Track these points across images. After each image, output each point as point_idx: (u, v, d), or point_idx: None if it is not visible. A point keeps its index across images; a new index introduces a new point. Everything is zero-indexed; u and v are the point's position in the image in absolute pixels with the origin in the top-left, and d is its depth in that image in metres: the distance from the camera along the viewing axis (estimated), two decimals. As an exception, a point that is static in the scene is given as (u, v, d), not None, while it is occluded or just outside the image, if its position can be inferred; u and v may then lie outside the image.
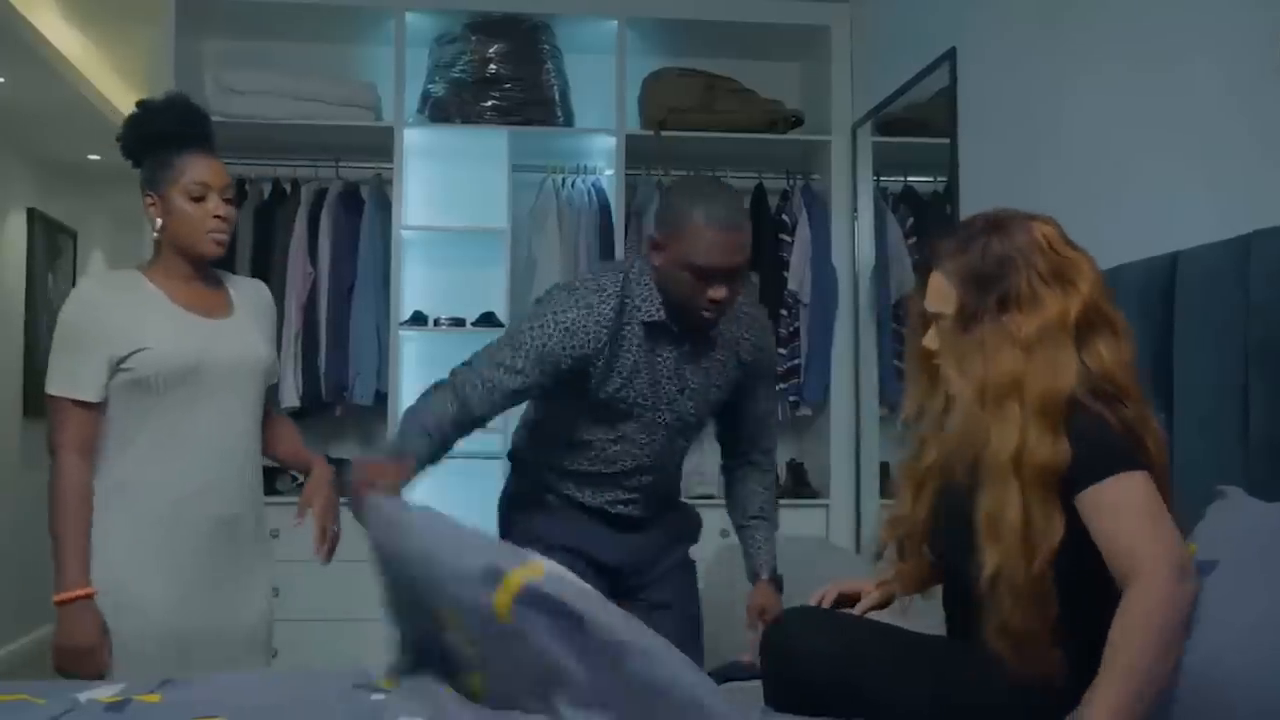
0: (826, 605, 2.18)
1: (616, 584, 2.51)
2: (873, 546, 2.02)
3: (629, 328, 2.41)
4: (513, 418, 2.69)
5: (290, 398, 4.31)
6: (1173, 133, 2.52)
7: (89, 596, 2.22)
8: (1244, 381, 2.00)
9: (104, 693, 1.89)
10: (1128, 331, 1.80)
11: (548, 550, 2.43)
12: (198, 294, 2.39)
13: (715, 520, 2.98)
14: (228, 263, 2.82)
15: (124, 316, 2.28)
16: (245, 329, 2.43)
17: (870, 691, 1.83)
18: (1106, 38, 2.79)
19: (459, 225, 4.53)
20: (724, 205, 2.33)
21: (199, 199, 2.33)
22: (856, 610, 2.15)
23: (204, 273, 2.42)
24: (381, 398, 4.43)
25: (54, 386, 2.27)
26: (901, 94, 4.05)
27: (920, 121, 4.02)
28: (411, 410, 2.42)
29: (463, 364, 2.43)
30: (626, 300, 2.41)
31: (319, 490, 2.45)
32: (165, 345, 2.27)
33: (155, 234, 2.38)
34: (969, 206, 3.52)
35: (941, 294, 1.85)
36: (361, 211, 4.52)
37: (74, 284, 6.91)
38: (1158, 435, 1.77)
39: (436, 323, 4.53)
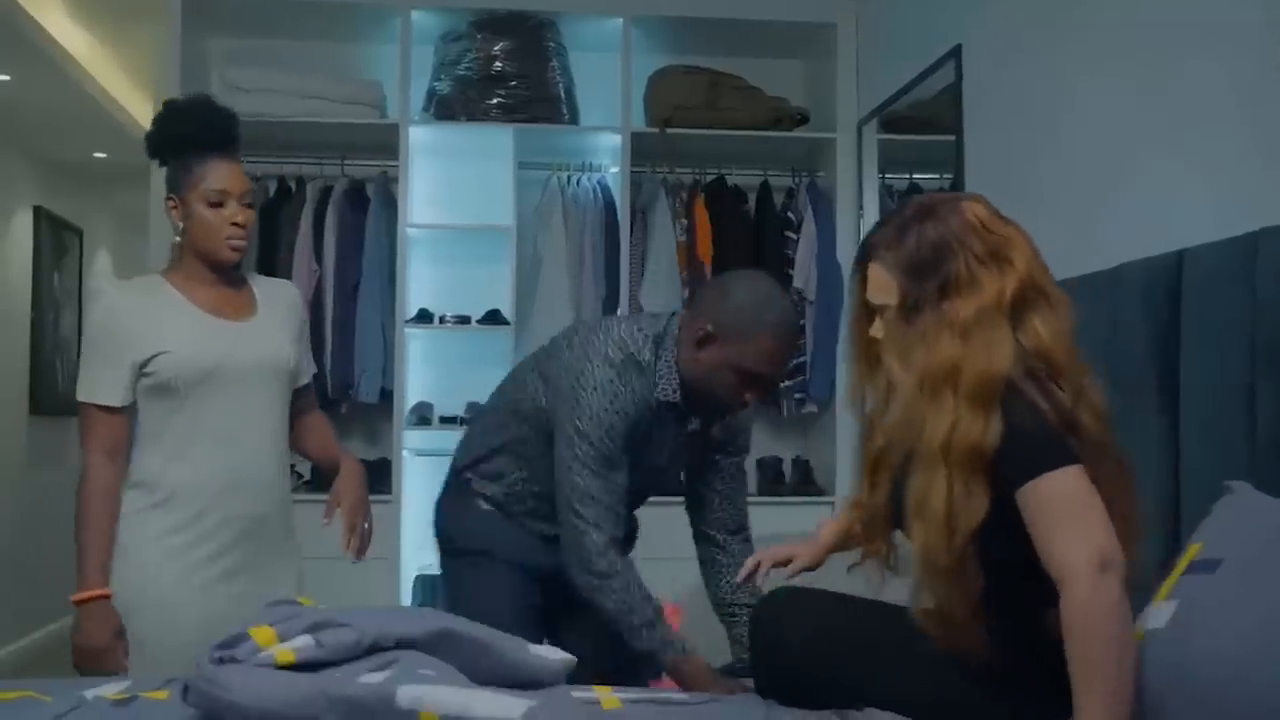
0: (762, 574, 2.23)
1: (550, 592, 2.50)
2: (832, 525, 2.12)
3: (652, 401, 2.39)
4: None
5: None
6: (1177, 130, 2.52)
7: (106, 598, 2.24)
8: (1250, 381, 1.99)
9: (111, 689, 1.89)
10: (1062, 301, 1.78)
11: (483, 556, 2.52)
12: (220, 296, 2.40)
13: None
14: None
15: (145, 321, 2.31)
16: (268, 330, 2.43)
17: (855, 669, 1.86)
18: (1111, 35, 2.79)
19: (464, 223, 4.54)
20: (788, 314, 2.32)
21: (217, 205, 2.34)
22: (787, 574, 2.19)
23: (226, 275, 2.43)
24: (387, 395, 4.43)
25: (81, 393, 2.31)
26: (907, 91, 4.04)
27: (925, 119, 4.02)
28: (612, 597, 2.30)
29: (573, 515, 2.31)
30: (653, 374, 2.38)
31: (348, 488, 2.49)
32: (185, 349, 2.29)
33: (177, 237, 2.40)
34: (974, 204, 3.52)
35: (882, 285, 1.83)
36: (367, 209, 4.53)
37: (80, 282, 6.98)
38: (1095, 406, 1.75)
39: (442, 320, 4.54)
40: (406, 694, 1.58)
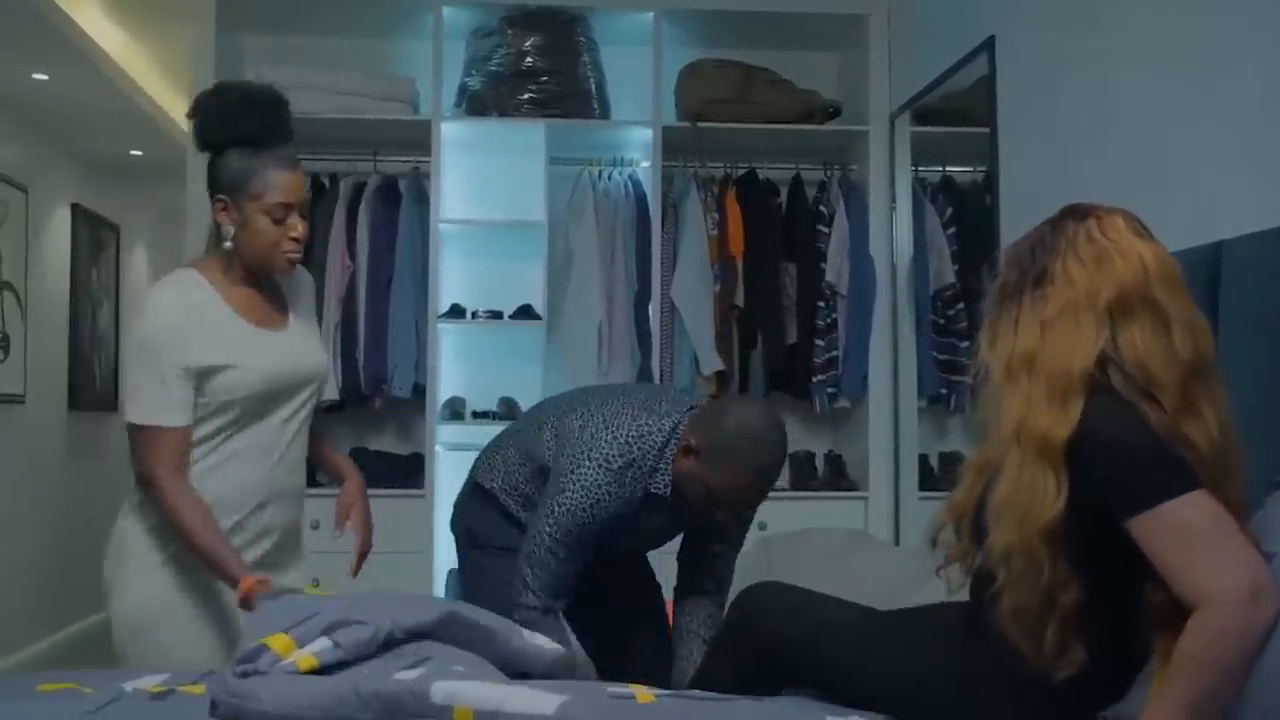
0: None
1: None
2: (929, 530, 1.99)
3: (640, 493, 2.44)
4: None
5: (329, 391, 4.33)
6: (1214, 121, 2.49)
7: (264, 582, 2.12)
8: (1289, 371, 1.97)
9: (149, 682, 1.91)
10: (1183, 325, 1.70)
11: (504, 551, 2.56)
12: (261, 305, 2.31)
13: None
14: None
15: (204, 339, 2.19)
16: (305, 338, 2.38)
17: (824, 650, 1.92)
18: (1146, 25, 2.76)
19: (496, 218, 4.55)
20: (769, 458, 2.33)
21: (280, 220, 2.22)
22: None
23: (262, 279, 2.33)
24: (420, 390, 4.45)
25: (141, 414, 2.17)
26: (940, 83, 4.02)
27: (959, 111, 4.00)
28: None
29: (523, 569, 2.42)
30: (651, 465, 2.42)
31: (359, 508, 2.43)
32: (243, 369, 2.21)
33: (227, 244, 2.23)
34: (1008, 196, 3.50)
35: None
36: (399, 205, 4.55)
37: (118, 279, 7.04)
38: (1209, 431, 1.68)
39: (474, 315, 4.55)
40: (441, 690, 1.58)
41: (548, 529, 2.39)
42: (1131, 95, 2.82)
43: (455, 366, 4.67)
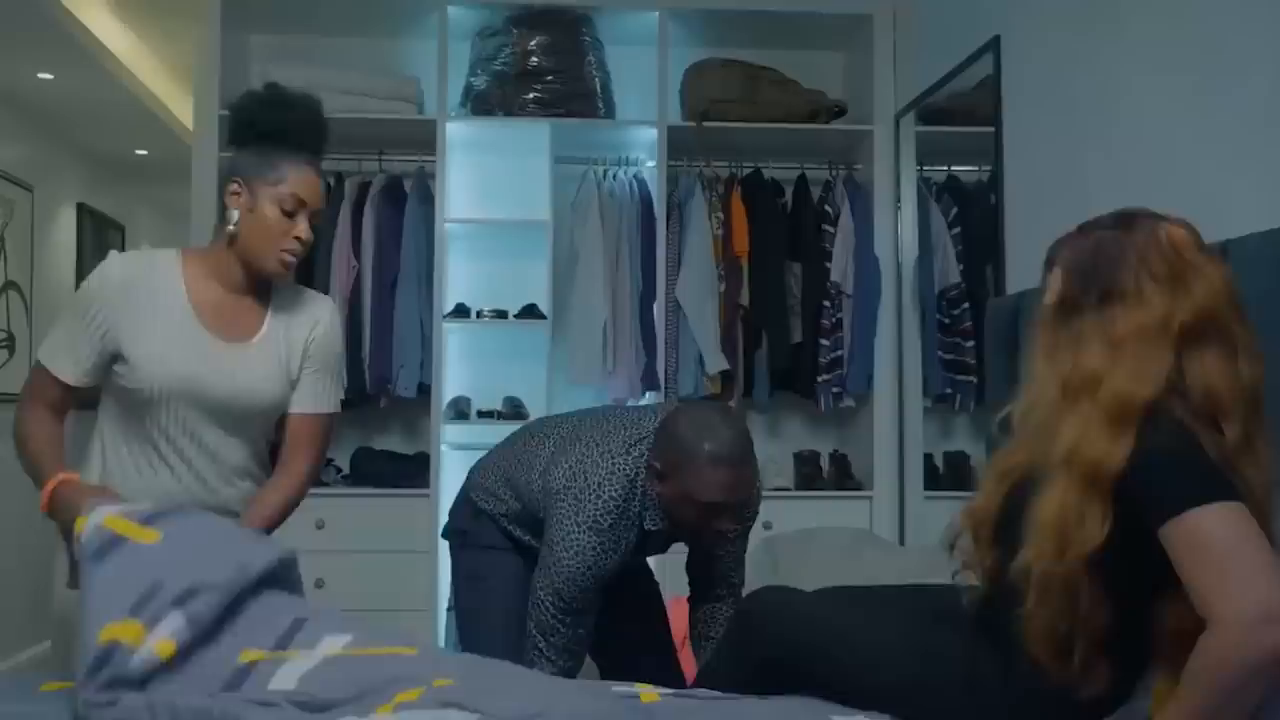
0: None
1: None
2: (947, 536, 1.95)
3: (634, 532, 2.42)
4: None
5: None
6: (1220, 121, 2.49)
7: (72, 480, 2.11)
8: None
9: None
10: (1250, 353, 1.66)
11: (496, 550, 2.60)
12: (229, 308, 2.21)
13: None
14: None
15: (130, 318, 2.14)
16: (258, 363, 2.22)
17: (836, 646, 1.86)
18: (1152, 25, 2.76)
19: (501, 217, 4.55)
20: (728, 441, 2.28)
21: (289, 213, 2.17)
22: None
23: (254, 285, 2.24)
24: (425, 390, 4.45)
25: (42, 353, 2.19)
26: (945, 83, 4.02)
27: (964, 111, 3.99)
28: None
29: (534, 638, 2.41)
30: (637, 509, 2.40)
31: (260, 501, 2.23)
32: (155, 364, 2.13)
33: (231, 226, 2.17)
34: (1013, 196, 3.49)
35: (1051, 281, 1.78)
36: (405, 204, 4.55)
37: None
38: (1263, 464, 1.63)
39: (479, 315, 4.55)
40: None
41: (550, 600, 2.38)
42: (1137, 95, 2.81)
43: (460, 366, 4.68)
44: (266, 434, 2.33)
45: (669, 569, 2.79)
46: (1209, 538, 1.53)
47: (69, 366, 2.17)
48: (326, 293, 4.28)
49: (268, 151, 2.17)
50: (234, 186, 2.18)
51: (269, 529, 2.21)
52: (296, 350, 2.26)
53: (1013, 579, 1.69)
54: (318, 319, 2.31)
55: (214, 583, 1.69)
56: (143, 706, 1.54)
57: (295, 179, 2.17)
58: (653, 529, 2.40)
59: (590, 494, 2.37)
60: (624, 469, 2.39)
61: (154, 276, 2.18)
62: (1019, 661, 1.70)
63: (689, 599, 2.69)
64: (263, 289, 2.26)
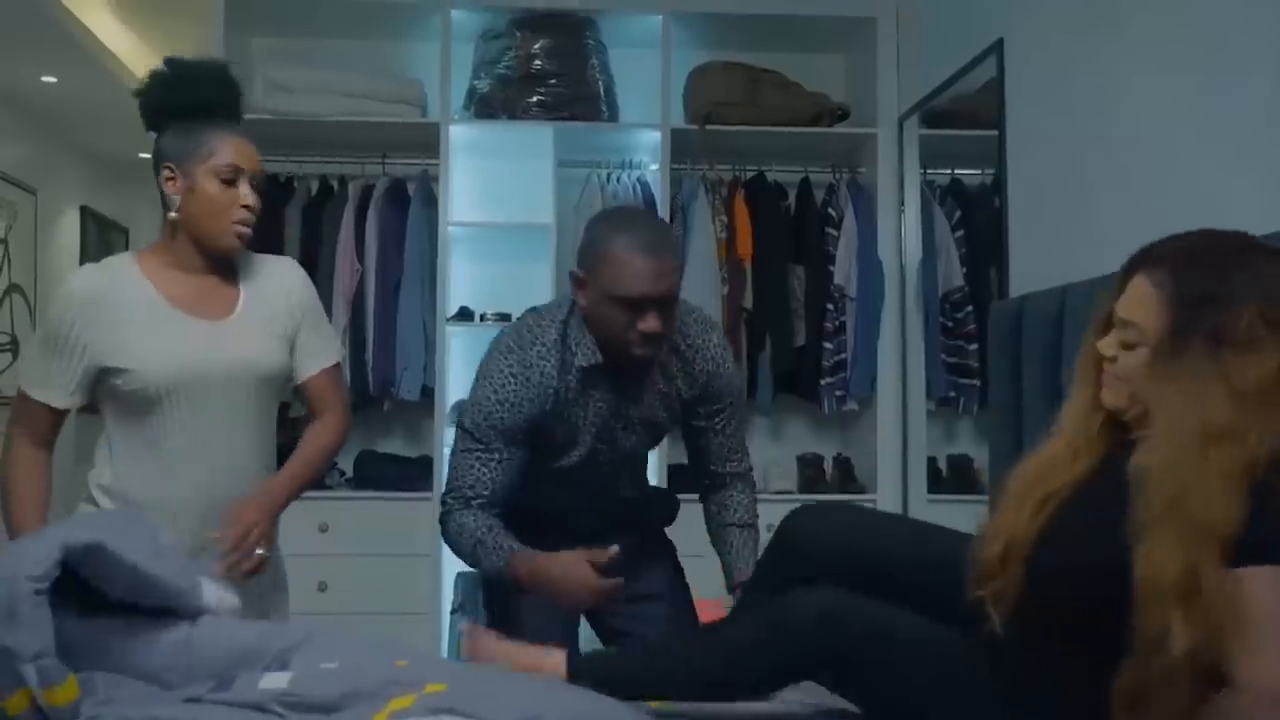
0: None
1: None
2: (976, 546, 1.78)
3: (570, 376, 2.33)
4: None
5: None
6: (1223, 124, 2.48)
7: None
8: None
9: None
10: None
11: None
12: (200, 289, 2.19)
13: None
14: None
15: (108, 327, 2.11)
16: (247, 333, 2.21)
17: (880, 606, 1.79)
18: (1155, 28, 2.75)
19: (505, 220, 4.55)
20: (644, 231, 2.24)
21: (229, 182, 2.14)
22: None
23: (216, 264, 2.21)
24: (428, 393, 4.45)
25: (25, 383, 2.18)
26: (948, 86, 4.02)
27: (967, 114, 3.99)
28: (457, 549, 2.41)
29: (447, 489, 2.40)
30: (565, 349, 2.33)
31: (247, 514, 2.10)
32: (149, 362, 2.11)
33: (173, 214, 2.15)
34: (1017, 199, 3.49)
35: (1141, 300, 1.65)
36: (408, 207, 4.55)
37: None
38: None
39: (483, 318, 4.55)
40: None
41: (460, 430, 2.35)
42: (1140, 98, 2.81)
43: (464, 369, 4.67)
44: (271, 424, 2.31)
45: (698, 571, 2.77)
46: (1258, 600, 1.47)
47: (57, 392, 2.16)
48: (330, 295, 4.29)
49: (189, 129, 2.15)
50: (167, 173, 2.16)
51: (312, 474, 2.27)
52: (280, 314, 2.27)
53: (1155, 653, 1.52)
54: (287, 283, 2.31)
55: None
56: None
57: (225, 148, 2.14)
58: (588, 364, 2.31)
59: (510, 330, 2.38)
60: (549, 313, 2.38)
61: (118, 282, 2.16)
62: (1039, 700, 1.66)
63: (699, 495, 2.60)
64: (225, 265, 2.24)
